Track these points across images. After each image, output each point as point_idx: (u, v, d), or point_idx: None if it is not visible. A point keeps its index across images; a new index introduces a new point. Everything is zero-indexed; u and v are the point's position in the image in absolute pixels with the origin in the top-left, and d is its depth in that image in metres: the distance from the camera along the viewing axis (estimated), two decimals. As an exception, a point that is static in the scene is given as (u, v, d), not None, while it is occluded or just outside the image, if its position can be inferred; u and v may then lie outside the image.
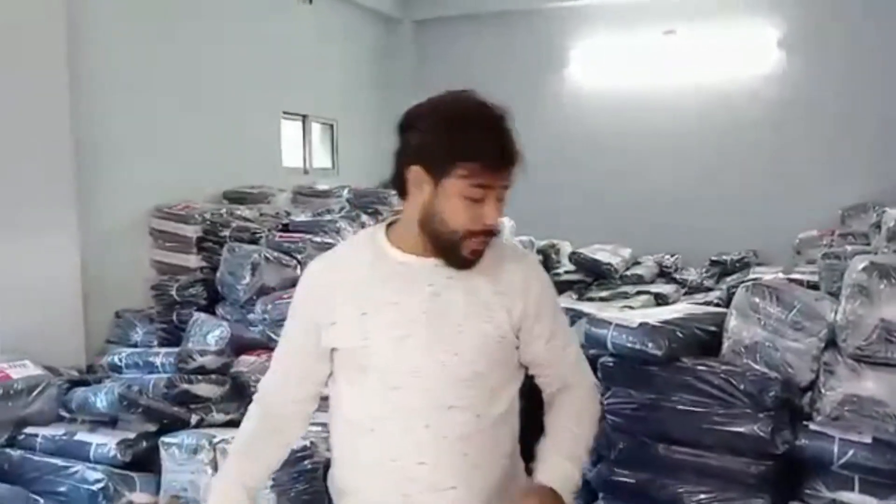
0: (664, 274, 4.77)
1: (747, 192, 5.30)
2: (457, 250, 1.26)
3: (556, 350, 1.37)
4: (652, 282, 4.53)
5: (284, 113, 4.86)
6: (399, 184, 1.30)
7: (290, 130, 5.04)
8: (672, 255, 4.95)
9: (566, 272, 4.64)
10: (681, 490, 2.07)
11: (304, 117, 5.10)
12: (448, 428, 1.25)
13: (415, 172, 1.26)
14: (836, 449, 1.93)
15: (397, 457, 1.25)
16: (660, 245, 5.05)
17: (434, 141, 1.24)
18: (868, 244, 3.97)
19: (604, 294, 4.23)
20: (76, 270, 3.22)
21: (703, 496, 2.05)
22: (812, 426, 1.99)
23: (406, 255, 1.30)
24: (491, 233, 1.28)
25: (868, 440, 1.93)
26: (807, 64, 5.29)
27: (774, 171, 5.28)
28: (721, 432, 2.03)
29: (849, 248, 4.02)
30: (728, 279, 4.43)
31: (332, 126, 5.37)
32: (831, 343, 2.04)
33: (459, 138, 1.22)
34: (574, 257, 4.67)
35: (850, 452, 1.92)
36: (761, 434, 1.99)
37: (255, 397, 1.42)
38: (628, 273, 4.54)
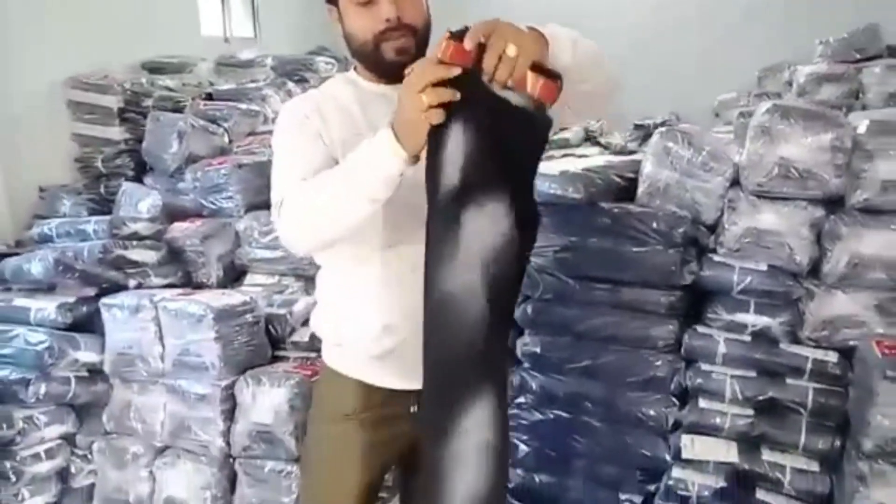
0: (590, 138, 4.90)
1: (670, 58, 5.42)
2: (380, 59, 1.31)
3: None
4: (578, 146, 4.66)
5: (201, -23, 4.62)
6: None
7: (208, -3, 4.81)
8: (597, 120, 5.05)
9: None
10: (600, 321, 2.26)
11: (222, -18, 4.87)
12: None
13: (329, 13, 1.35)
14: (735, 277, 2.13)
15: None
16: (586, 111, 5.13)
17: None
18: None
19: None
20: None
21: (619, 326, 2.25)
22: (715, 258, 2.17)
23: (374, 84, 1.36)
24: (405, 27, 1.29)
25: (764, 267, 2.12)
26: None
27: (695, 36, 5.39)
28: (635, 268, 2.20)
29: (763, 106, 4.22)
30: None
31: (252, -9, 5.15)
32: (735, 182, 2.20)
33: None
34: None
35: (748, 279, 2.12)
36: (671, 267, 2.17)
37: (286, 194, 1.27)
38: (555, 138, 4.63)
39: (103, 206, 3.14)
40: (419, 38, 1.32)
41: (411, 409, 1.43)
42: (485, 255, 1.18)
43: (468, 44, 1.09)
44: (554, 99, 1.15)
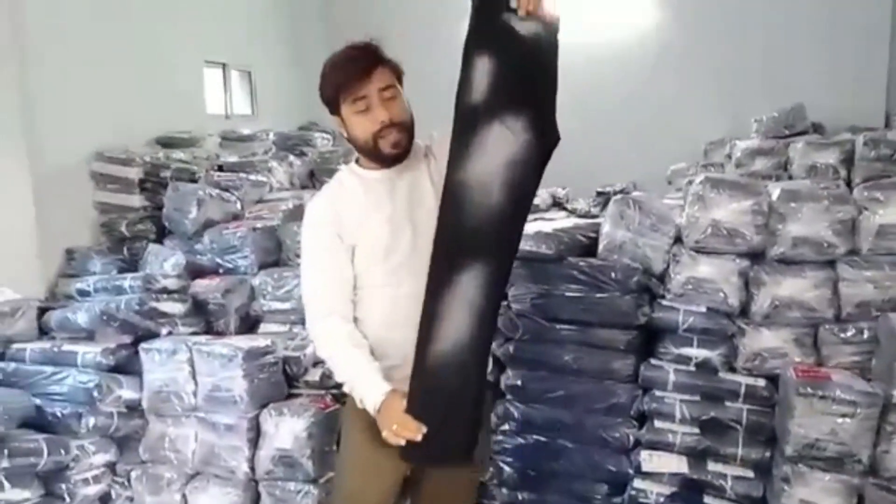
0: (557, 204, 5.41)
1: (628, 132, 6.01)
2: (380, 153, 1.71)
3: None
4: (547, 210, 5.15)
5: (206, 61, 5.11)
6: (345, 136, 1.78)
7: (211, 78, 5.29)
8: (563, 188, 5.58)
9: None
10: (570, 357, 2.66)
11: (224, 65, 5.37)
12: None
13: (334, 122, 1.76)
14: (680, 318, 2.53)
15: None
16: (553, 180, 5.68)
17: (323, 93, 1.72)
18: (723, 172, 4.70)
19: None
20: (30, 212, 3.47)
21: (586, 360, 2.66)
22: (664, 302, 2.57)
23: (375, 173, 1.77)
24: (396, 126, 1.67)
25: (703, 309, 2.53)
26: (679, 14, 5.99)
27: (652, 112, 5.99)
28: (598, 311, 2.60)
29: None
30: (611, 207, 5.09)
31: (249, 73, 5.66)
32: (678, 239, 2.66)
33: (328, 78, 1.70)
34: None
35: (691, 319, 2.52)
36: (627, 310, 2.60)
37: (320, 316, 1.75)
38: (526, 204, 5.13)
39: (128, 265, 3.50)
40: (408, 132, 1.73)
41: None
42: (504, 161, 1.52)
43: None
44: (558, 21, 1.53)
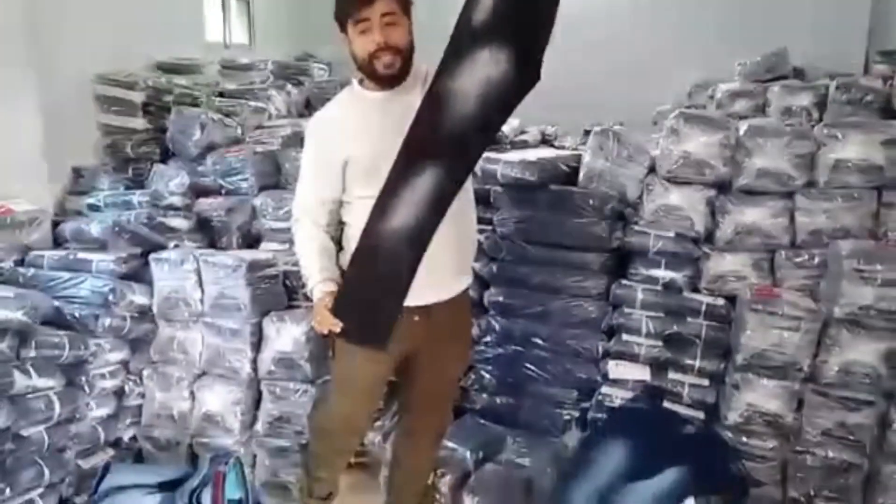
0: (546, 141, 5.56)
1: (618, 74, 6.16)
2: (374, 72, 1.91)
3: None
4: (536, 147, 5.31)
5: (205, -12, 5.18)
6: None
7: (210, 6, 5.36)
8: (553, 126, 5.74)
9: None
10: (548, 276, 2.89)
11: (223, -7, 5.44)
12: None
13: (341, 39, 1.95)
14: (651, 242, 2.76)
15: None
16: (543, 118, 5.83)
17: (336, 12, 1.91)
18: (705, 113, 4.87)
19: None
20: (38, 131, 3.60)
21: (563, 280, 2.89)
22: (636, 227, 2.80)
23: (373, 93, 1.96)
24: (391, 49, 1.86)
25: (672, 235, 2.77)
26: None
27: (641, 55, 6.14)
28: (576, 235, 2.83)
29: (691, 116, 4.94)
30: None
31: (248, 1, 5.71)
32: (652, 170, 2.87)
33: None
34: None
35: (660, 243, 2.76)
36: (602, 234, 2.83)
37: (299, 215, 2.11)
38: (516, 139, 5.30)
39: (134, 184, 3.66)
40: (404, 56, 1.91)
41: (415, 318, 2.04)
42: (482, 83, 1.68)
43: None
44: None
